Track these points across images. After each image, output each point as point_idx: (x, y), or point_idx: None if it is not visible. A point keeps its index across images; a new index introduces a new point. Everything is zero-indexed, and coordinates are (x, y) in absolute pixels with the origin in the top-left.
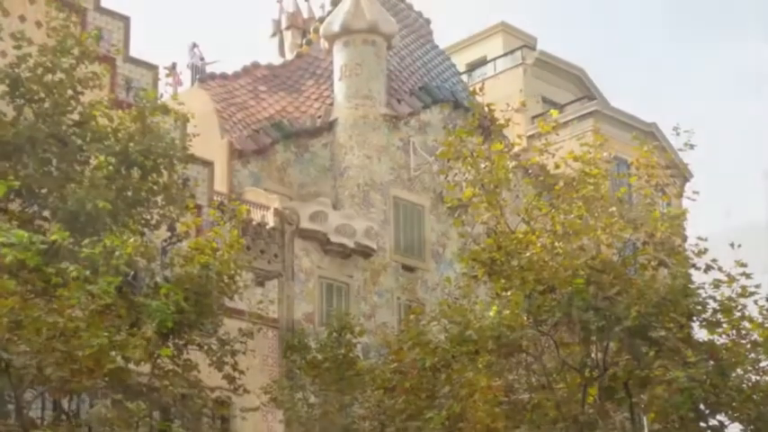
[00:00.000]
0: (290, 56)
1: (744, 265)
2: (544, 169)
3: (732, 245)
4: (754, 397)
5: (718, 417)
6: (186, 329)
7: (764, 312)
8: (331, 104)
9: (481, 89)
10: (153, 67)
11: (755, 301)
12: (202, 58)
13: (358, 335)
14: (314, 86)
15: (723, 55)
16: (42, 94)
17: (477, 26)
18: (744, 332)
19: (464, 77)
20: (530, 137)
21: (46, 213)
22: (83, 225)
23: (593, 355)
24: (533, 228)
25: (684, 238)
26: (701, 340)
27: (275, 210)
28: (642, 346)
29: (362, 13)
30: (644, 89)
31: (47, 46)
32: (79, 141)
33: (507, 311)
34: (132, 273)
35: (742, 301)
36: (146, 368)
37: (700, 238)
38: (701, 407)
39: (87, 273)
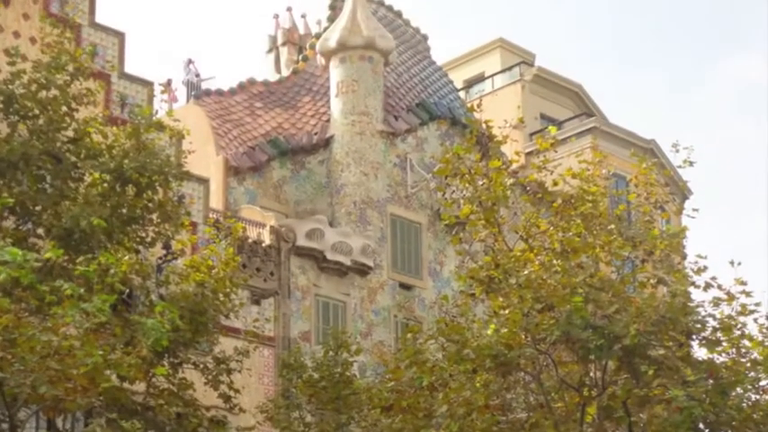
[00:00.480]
0: (286, 72)
1: (744, 283)
2: (542, 186)
3: (732, 262)
4: (755, 416)
5: None
6: (182, 348)
7: (764, 331)
8: (327, 121)
9: (479, 105)
10: (148, 84)
11: (755, 320)
12: (198, 75)
13: (355, 353)
14: (310, 103)
15: (724, 70)
16: (36, 111)
17: (475, 42)
18: (744, 351)
19: (462, 94)
20: (528, 154)
21: (40, 231)
22: (77, 243)
23: (591, 374)
24: (531, 245)
25: (684, 256)
26: (700, 359)
27: (271, 227)
28: (641, 364)
29: (359, 29)
30: (643, 105)
31: (41, 62)
32: (73, 158)
33: (505, 330)
34: (127, 291)
35: (742, 319)
36: (141, 387)
37: (699, 256)
38: (701, 426)
39: (82, 291)
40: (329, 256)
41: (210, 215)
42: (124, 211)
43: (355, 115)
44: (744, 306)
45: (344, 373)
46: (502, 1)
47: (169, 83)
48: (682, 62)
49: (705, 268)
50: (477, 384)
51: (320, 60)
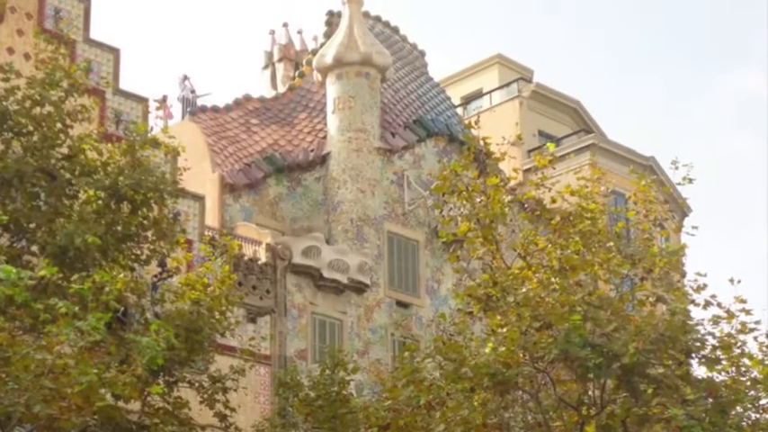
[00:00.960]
0: (282, 88)
1: (743, 301)
2: (540, 204)
3: (732, 280)
4: None
5: None
6: (177, 366)
7: (764, 349)
8: (324, 138)
9: (476, 122)
10: (143, 100)
11: (755, 338)
12: (193, 91)
13: (351, 372)
14: (306, 119)
15: (723, 84)
16: (31, 128)
17: (473, 58)
18: (743, 369)
19: (459, 110)
20: (526, 171)
21: (34, 248)
22: (72, 260)
23: (590, 393)
24: (530, 263)
25: (683, 274)
26: (699, 377)
27: (267, 245)
28: (640, 383)
29: (356, 44)
30: (642, 119)
31: (35, 78)
32: (68, 175)
33: (503, 348)
34: (122, 309)
35: (741, 337)
36: (136, 406)
37: (698, 274)
38: None
39: (76, 309)
40: (326, 273)
41: (206, 233)
42: (119, 228)
43: (352, 132)
44: (743, 324)
45: (341, 392)
46: (500, 17)
47: (164, 99)
48: (681, 76)
49: (704, 286)
50: (475, 403)
51: (317, 76)
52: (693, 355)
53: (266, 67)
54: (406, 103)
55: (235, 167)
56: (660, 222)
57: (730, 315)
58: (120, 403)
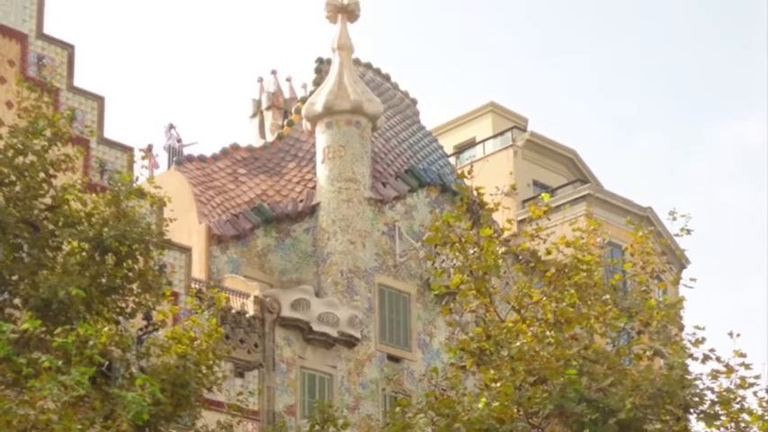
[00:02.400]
0: (270, 137)
1: (743, 356)
2: (535, 255)
3: (731, 334)
4: None
5: None
6: (163, 422)
7: (764, 404)
8: (313, 188)
9: (469, 172)
10: (128, 149)
11: (755, 393)
12: (179, 140)
13: (341, 428)
14: (296, 169)
15: (723, 134)
16: (13, 177)
17: (466, 106)
18: (743, 425)
19: (452, 160)
20: (520, 221)
21: (17, 301)
22: (55, 313)
23: None
24: (524, 316)
25: (681, 327)
26: None
27: (255, 297)
28: None
29: (346, 93)
30: (640, 170)
31: (18, 127)
32: (51, 226)
33: (497, 403)
34: (107, 363)
35: (741, 392)
36: None
37: (697, 327)
38: None
39: (60, 363)
40: (315, 327)
41: (193, 285)
42: (103, 280)
43: (342, 182)
44: (743, 379)
45: None
46: (493, 64)
47: (150, 148)
48: (679, 126)
49: (703, 340)
50: None
51: (306, 125)
52: (692, 410)
53: (254, 115)
54: (397, 153)
55: (222, 218)
56: (658, 274)
57: (729, 369)
58: None
